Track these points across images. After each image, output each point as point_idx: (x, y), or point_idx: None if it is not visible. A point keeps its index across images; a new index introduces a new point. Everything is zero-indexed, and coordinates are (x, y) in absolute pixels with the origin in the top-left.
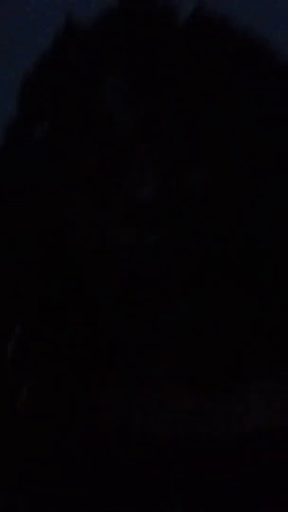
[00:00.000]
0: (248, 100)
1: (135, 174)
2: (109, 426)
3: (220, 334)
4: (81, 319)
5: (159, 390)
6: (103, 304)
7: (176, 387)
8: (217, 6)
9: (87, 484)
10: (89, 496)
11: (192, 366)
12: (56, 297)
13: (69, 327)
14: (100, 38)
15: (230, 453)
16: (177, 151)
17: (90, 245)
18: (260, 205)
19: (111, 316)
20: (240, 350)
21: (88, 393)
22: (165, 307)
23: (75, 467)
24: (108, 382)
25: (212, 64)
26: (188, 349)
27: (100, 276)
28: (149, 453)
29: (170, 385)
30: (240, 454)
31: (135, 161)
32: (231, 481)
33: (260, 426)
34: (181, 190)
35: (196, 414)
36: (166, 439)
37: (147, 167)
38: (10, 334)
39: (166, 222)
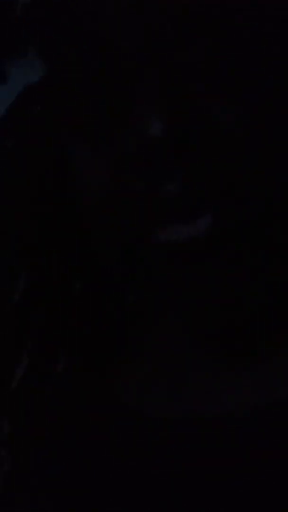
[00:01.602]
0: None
1: (140, 105)
2: (120, 407)
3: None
4: (86, 279)
5: (176, 362)
6: (110, 264)
7: (196, 357)
8: None
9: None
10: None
11: (223, 331)
12: (57, 254)
13: (74, 287)
14: None
15: (246, 427)
16: (193, 75)
17: (92, 197)
18: None
19: (120, 277)
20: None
21: (99, 367)
22: (185, 269)
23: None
24: (121, 355)
25: None
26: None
27: (106, 232)
28: (159, 436)
29: (191, 355)
30: (254, 425)
31: (139, 89)
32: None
33: (272, 398)
34: (200, 124)
35: (214, 390)
36: (179, 421)
37: (155, 96)
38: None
39: (184, 167)
